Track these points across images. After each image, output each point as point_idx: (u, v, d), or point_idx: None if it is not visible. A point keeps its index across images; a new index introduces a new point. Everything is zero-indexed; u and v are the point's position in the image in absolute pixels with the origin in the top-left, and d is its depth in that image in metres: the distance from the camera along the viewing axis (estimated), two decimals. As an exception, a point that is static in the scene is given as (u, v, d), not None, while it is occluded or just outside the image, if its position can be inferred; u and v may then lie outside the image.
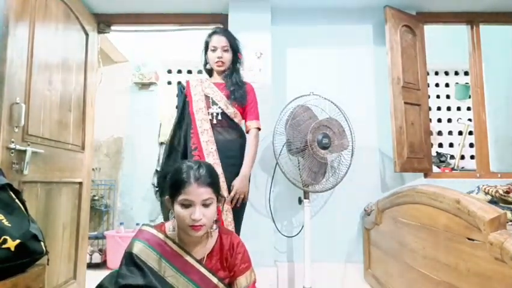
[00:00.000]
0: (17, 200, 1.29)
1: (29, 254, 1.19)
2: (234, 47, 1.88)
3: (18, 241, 1.14)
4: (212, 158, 1.71)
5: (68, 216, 2.15)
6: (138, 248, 1.16)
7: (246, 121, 1.88)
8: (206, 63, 1.95)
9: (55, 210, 1.99)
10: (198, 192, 1.13)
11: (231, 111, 1.81)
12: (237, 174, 1.73)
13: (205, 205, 1.15)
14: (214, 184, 1.19)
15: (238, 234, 1.73)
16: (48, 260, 1.30)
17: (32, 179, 1.76)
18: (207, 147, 1.73)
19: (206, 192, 1.15)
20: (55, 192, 1.99)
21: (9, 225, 1.17)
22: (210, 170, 1.22)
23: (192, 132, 1.78)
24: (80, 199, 2.28)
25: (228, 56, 1.86)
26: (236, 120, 1.84)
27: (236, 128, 1.84)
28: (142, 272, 1.12)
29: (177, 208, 1.15)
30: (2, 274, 1.10)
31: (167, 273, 1.15)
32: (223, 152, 1.74)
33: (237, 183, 1.70)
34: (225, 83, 1.87)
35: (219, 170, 1.65)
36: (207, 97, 1.83)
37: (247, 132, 1.87)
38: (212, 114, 1.79)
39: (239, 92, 1.82)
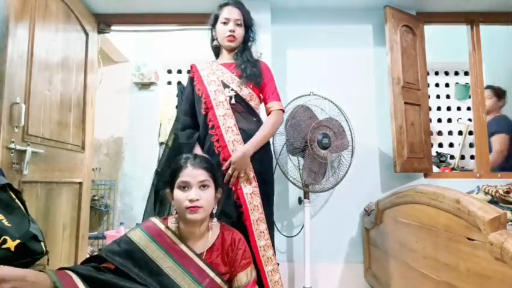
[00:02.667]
0: (17, 200, 1.29)
1: (29, 254, 1.19)
2: (248, 23, 1.67)
3: (18, 241, 1.14)
4: (232, 133, 1.53)
5: (68, 216, 2.15)
6: (137, 236, 1.19)
7: (266, 103, 1.68)
8: (213, 39, 1.72)
9: (55, 210, 1.99)
10: (193, 173, 1.19)
11: (246, 92, 1.60)
12: (262, 164, 1.56)
13: (202, 186, 1.20)
14: (210, 170, 1.24)
15: (271, 228, 1.57)
16: (48, 260, 1.30)
17: (32, 179, 1.76)
18: (224, 121, 1.54)
19: (202, 174, 1.20)
20: (55, 192, 1.99)
21: (9, 225, 1.17)
22: (207, 159, 1.29)
23: (208, 117, 1.59)
24: (80, 199, 2.28)
25: (240, 31, 1.65)
26: (252, 104, 1.62)
27: (254, 115, 1.63)
28: (134, 259, 1.14)
29: (176, 193, 1.20)
30: (2, 274, 1.10)
31: (166, 264, 1.16)
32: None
33: (233, 156, 1.48)
34: (235, 62, 1.65)
35: (240, 147, 1.51)
36: (218, 80, 1.62)
37: (268, 114, 1.66)
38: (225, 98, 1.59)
39: (251, 70, 1.60)
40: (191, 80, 1.71)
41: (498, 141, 2.78)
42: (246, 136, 1.55)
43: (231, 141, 1.53)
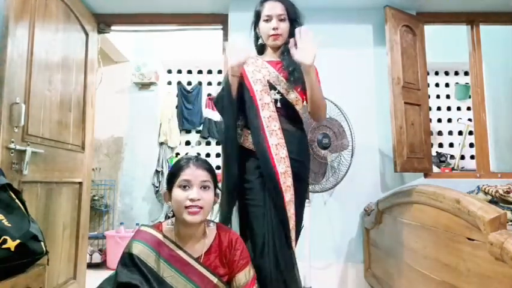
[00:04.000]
0: (17, 200, 1.29)
1: (29, 254, 1.19)
2: (292, 16, 1.52)
3: (18, 241, 1.14)
4: (276, 137, 1.43)
5: (68, 216, 2.15)
6: (138, 249, 1.16)
7: None
8: (257, 37, 1.60)
9: (55, 210, 1.99)
10: (196, 173, 1.19)
11: (293, 96, 1.49)
12: (303, 168, 1.49)
13: (203, 187, 1.19)
14: (211, 171, 1.24)
15: (300, 225, 1.50)
16: (48, 260, 1.30)
17: (32, 179, 1.76)
18: (269, 123, 1.44)
19: (203, 175, 1.20)
20: (55, 192, 1.99)
21: (9, 225, 1.17)
22: (207, 162, 1.29)
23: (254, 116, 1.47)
24: (80, 199, 2.28)
25: (285, 27, 1.50)
26: (298, 108, 1.53)
27: (298, 118, 1.55)
28: (142, 273, 1.12)
29: (175, 192, 1.18)
30: (2, 274, 1.10)
31: (166, 274, 1.14)
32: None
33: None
34: (282, 61, 1.52)
35: (283, 152, 1.42)
36: (264, 79, 1.50)
37: None
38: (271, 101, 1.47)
39: (299, 72, 1.46)
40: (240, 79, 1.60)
41: None
42: (289, 136, 1.46)
43: (274, 144, 1.43)
